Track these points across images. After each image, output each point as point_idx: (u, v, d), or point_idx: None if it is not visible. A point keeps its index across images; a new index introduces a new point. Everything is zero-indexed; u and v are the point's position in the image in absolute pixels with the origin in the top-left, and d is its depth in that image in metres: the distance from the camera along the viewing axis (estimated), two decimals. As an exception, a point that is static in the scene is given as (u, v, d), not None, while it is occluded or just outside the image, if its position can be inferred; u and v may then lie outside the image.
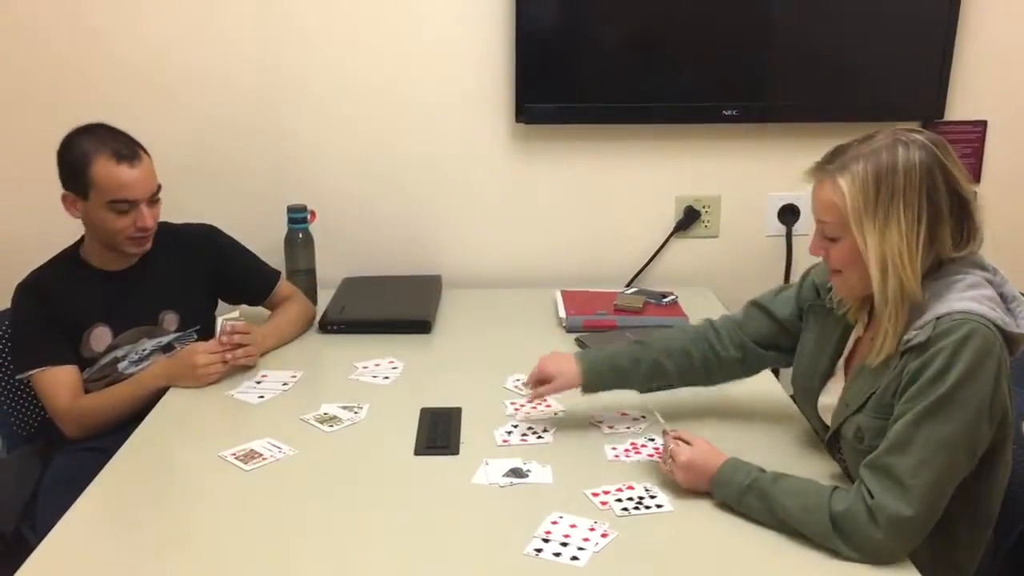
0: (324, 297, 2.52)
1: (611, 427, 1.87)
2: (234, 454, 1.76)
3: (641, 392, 1.87)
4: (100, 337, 2.13)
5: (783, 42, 2.64)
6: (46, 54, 2.56)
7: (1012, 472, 1.62)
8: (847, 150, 1.51)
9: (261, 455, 1.76)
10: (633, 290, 2.60)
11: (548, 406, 1.96)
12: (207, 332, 2.24)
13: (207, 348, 2.07)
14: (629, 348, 1.87)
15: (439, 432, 1.84)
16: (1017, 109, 2.72)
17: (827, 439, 1.69)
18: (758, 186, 2.74)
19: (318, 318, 2.39)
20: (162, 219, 2.27)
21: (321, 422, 1.90)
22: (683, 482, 1.61)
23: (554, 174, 2.73)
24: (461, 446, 1.79)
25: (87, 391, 2.12)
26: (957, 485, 1.45)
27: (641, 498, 1.60)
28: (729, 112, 2.62)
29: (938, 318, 1.45)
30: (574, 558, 1.44)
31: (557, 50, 2.59)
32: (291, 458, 1.76)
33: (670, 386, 1.87)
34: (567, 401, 1.97)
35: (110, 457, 1.77)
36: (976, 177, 2.76)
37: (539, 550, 1.46)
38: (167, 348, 2.19)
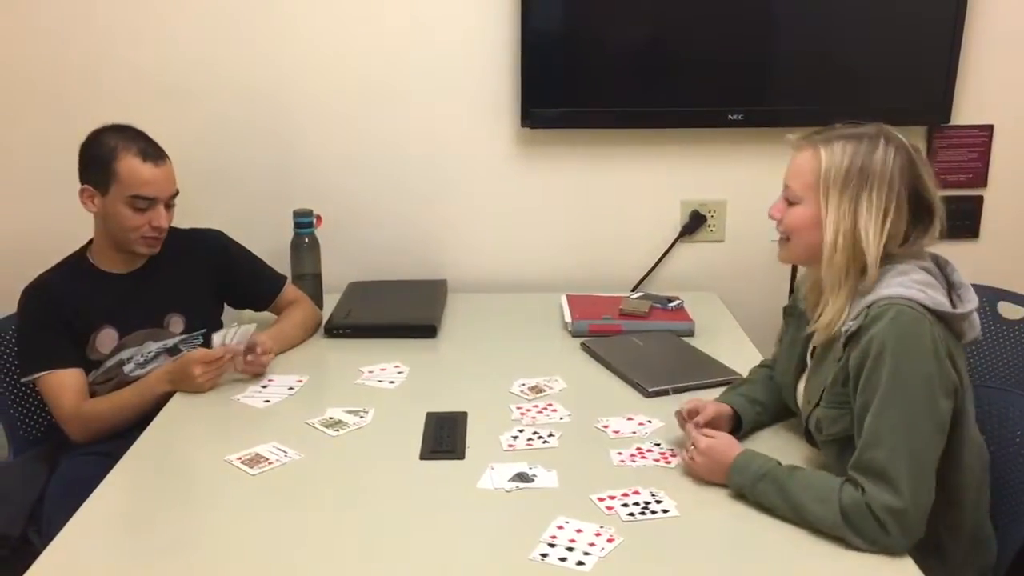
0: (330, 301, 2.52)
1: (617, 432, 1.86)
2: (240, 458, 1.76)
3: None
4: (106, 339, 2.14)
5: (789, 47, 2.64)
6: (55, 58, 2.58)
7: (1013, 475, 1.63)
8: (834, 129, 1.62)
9: (267, 459, 1.76)
10: (639, 295, 2.59)
11: (554, 410, 1.96)
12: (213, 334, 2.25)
13: (203, 359, 2.04)
14: (754, 381, 1.92)
15: (445, 436, 1.84)
16: (1024, 113, 2.72)
17: (804, 434, 1.74)
18: (764, 190, 2.69)
19: (324, 322, 2.40)
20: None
21: (327, 426, 1.90)
22: (699, 468, 1.64)
23: (559, 178, 2.73)
24: (467, 450, 1.79)
25: (93, 393, 2.12)
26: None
27: (647, 503, 1.60)
28: (734, 116, 2.62)
29: (868, 306, 1.52)
30: (580, 563, 1.44)
31: (562, 55, 2.59)
32: (297, 462, 1.76)
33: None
34: (572, 406, 1.97)
35: (116, 461, 1.77)
36: (982, 181, 2.76)
37: (545, 555, 1.46)
38: (173, 351, 2.19)
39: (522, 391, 2.05)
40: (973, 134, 2.72)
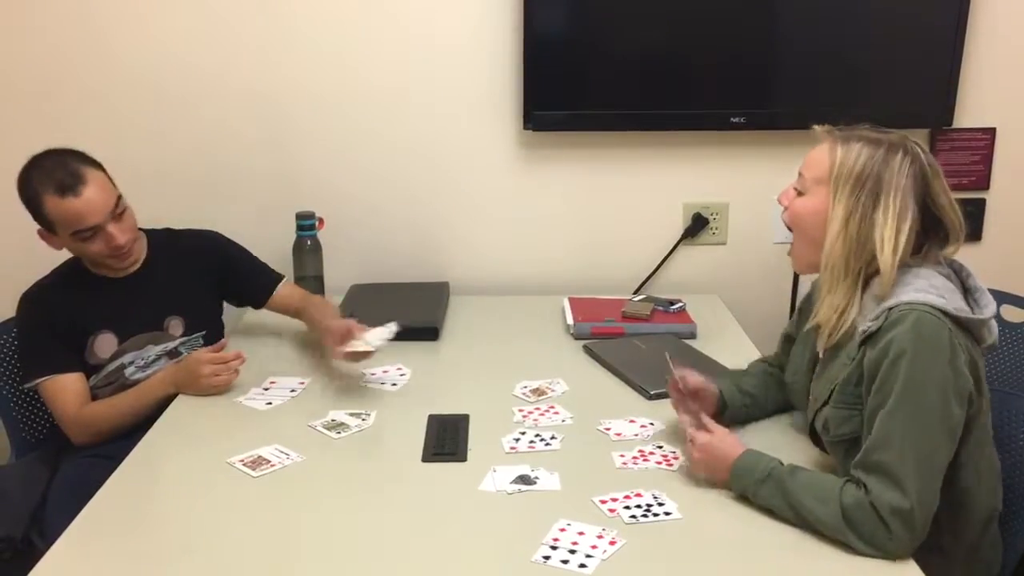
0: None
1: (619, 434, 1.86)
2: (242, 461, 1.76)
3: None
4: (105, 344, 2.14)
5: (791, 49, 2.64)
6: (54, 64, 2.58)
7: (1016, 479, 1.63)
8: (859, 129, 1.64)
9: (269, 461, 1.76)
10: (641, 297, 2.59)
11: (556, 413, 1.96)
12: (213, 336, 2.25)
13: (212, 359, 2.06)
14: (746, 377, 1.94)
15: (447, 439, 1.84)
16: (1026, 116, 2.72)
17: (809, 433, 1.74)
18: (766, 193, 2.71)
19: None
20: (166, 225, 2.28)
21: (329, 429, 1.90)
22: (696, 464, 1.65)
23: (562, 181, 2.73)
24: (469, 453, 1.79)
25: (95, 398, 2.13)
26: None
27: (649, 506, 1.60)
28: (737, 119, 2.62)
29: (889, 309, 1.52)
30: (582, 565, 1.44)
31: (565, 57, 2.59)
32: (299, 464, 1.76)
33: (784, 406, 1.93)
34: (574, 408, 1.97)
35: (118, 464, 1.77)
36: (985, 184, 2.75)
37: (547, 557, 1.46)
38: (173, 354, 2.19)
39: (524, 393, 2.05)
40: (976, 137, 2.72)
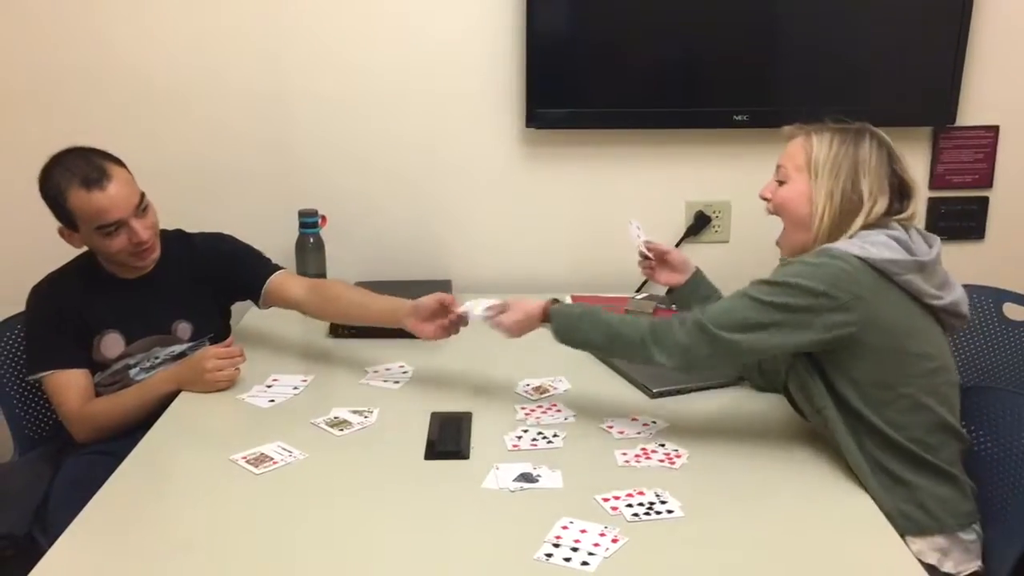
0: (334, 302, 2.51)
1: (622, 432, 1.86)
2: (244, 458, 1.76)
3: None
4: (112, 344, 2.14)
5: (794, 47, 2.64)
6: (59, 62, 2.58)
7: (1021, 476, 1.64)
8: (823, 123, 1.82)
9: (271, 459, 1.76)
10: (643, 295, 2.59)
11: (559, 411, 1.96)
12: (220, 340, 2.25)
13: (217, 353, 2.07)
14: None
15: (449, 436, 1.84)
16: (1029, 114, 2.71)
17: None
18: (769, 191, 2.73)
19: (328, 323, 2.39)
20: (177, 227, 2.28)
21: (331, 426, 1.90)
22: (512, 325, 1.91)
23: (564, 179, 2.73)
24: (471, 451, 1.79)
25: (98, 395, 2.13)
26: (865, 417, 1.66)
27: (652, 503, 1.60)
28: (739, 117, 2.62)
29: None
30: (584, 563, 1.44)
31: (567, 55, 2.59)
32: (301, 462, 1.76)
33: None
34: (576, 406, 1.97)
35: (121, 461, 1.77)
36: (988, 182, 2.75)
37: (549, 555, 1.46)
38: (179, 358, 2.19)
39: (526, 391, 2.05)
40: (979, 135, 2.71)
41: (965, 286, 1.78)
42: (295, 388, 2.08)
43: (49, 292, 2.13)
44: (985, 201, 2.76)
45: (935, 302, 1.68)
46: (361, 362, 2.21)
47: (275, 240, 2.52)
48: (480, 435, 1.85)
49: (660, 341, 1.71)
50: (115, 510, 1.62)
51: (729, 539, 1.51)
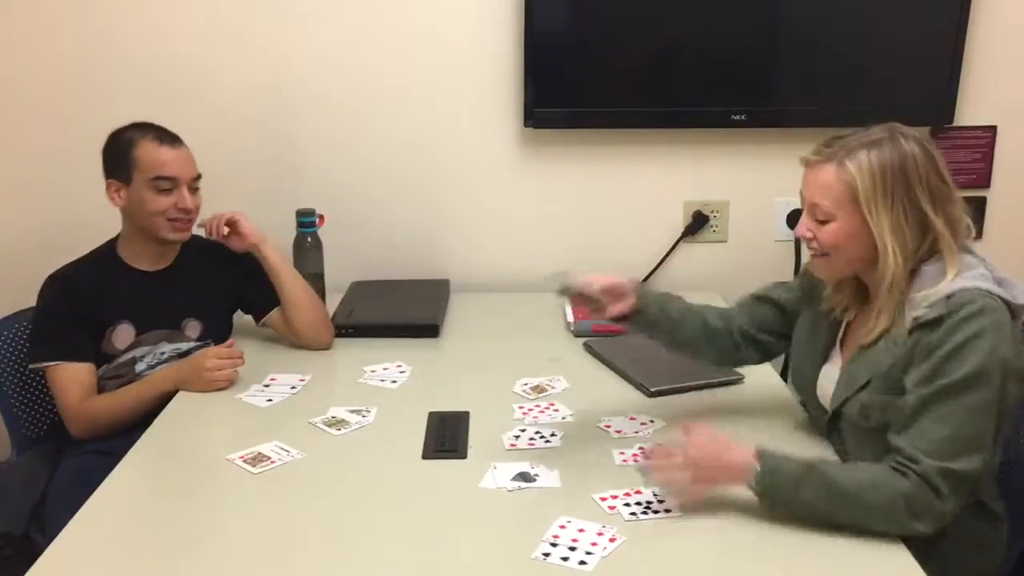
0: (333, 301, 2.52)
1: (619, 431, 1.86)
2: (242, 457, 1.76)
3: (668, 347, 1.90)
4: (123, 335, 2.15)
5: (792, 46, 2.64)
6: (58, 58, 2.58)
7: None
8: (845, 139, 1.60)
9: (269, 458, 1.76)
10: (641, 295, 2.59)
11: (556, 410, 1.96)
12: (222, 342, 2.25)
13: (218, 353, 2.07)
14: (676, 301, 1.91)
15: (447, 436, 1.84)
16: (1027, 114, 2.71)
17: (827, 421, 1.73)
18: (767, 191, 2.74)
19: (326, 322, 2.39)
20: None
21: (329, 425, 1.90)
22: (710, 485, 1.55)
23: (562, 178, 2.73)
24: (469, 450, 1.79)
25: (101, 389, 2.13)
26: None
27: (649, 503, 1.60)
28: (738, 116, 2.62)
29: (948, 296, 1.52)
30: (582, 562, 1.44)
31: (566, 55, 2.59)
32: (299, 461, 1.76)
33: (693, 350, 1.90)
34: (575, 406, 1.97)
35: (119, 460, 1.77)
36: (986, 182, 2.75)
37: (547, 554, 1.46)
38: (184, 356, 2.19)
39: (524, 391, 2.05)
40: (976, 135, 2.72)
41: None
42: (293, 387, 2.08)
43: (66, 282, 2.14)
44: (983, 201, 2.76)
45: None
46: (359, 361, 2.21)
47: (273, 239, 2.50)
48: (478, 434, 1.85)
49: (916, 511, 1.46)
50: (113, 509, 1.63)
51: (726, 538, 1.51)
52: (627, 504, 1.59)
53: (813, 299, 1.82)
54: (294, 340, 2.29)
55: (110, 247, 2.21)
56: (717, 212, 2.76)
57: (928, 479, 1.45)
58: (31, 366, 2.15)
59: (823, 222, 1.61)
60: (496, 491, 1.65)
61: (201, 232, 2.22)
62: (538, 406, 1.98)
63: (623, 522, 1.54)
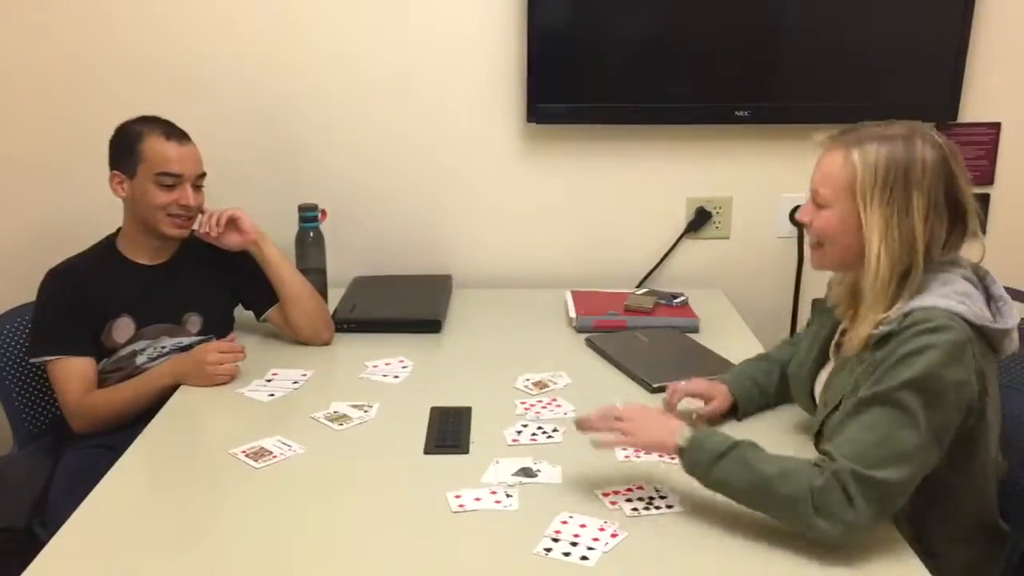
0: (335, 296, 2.52)
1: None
2: (244, 451, 1.76)
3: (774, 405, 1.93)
4: (123, 328, 2.15)
5: (796, 43, 2.63)
6: (58, 52, 2.58)
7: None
8: (864, 128, 1.57)
9: (271, 453, 1.76)
10: (644, 291, 2.59)
11: (559, 406, 1.95)
12: (223, 337, 2.25)
13: (219, 347, 2.08)
14: (756, 362, 1.96)
15: (449, 431, 1.84)
16: (1031, 111, 2.71)
17: (813, 436, 1.71)
18: (770, 187, 2.73)
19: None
20: None
21: (331, 420, 1.90)
22: (636, 435, 1.58)
23: (565, 174, 2.73)
24: (471, 445, 1.79)
25: (102, 382, 2.13)
26: (931, 481, 1.48)
27: (651, 498, 1.60)
28: (741, 113, 2.61)
29: (906, 314, 1.48)
30: (584, 558, 1.44)
31: (569, 50, 2.59)
32: (301, 456, 1.76)
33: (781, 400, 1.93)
34: (576, 401, 1.97)
35: (120, 454, 1.77)
36: (989, 179, 2.75)
37: (549, 549, 1.46)
38: (184, 351, 2.19)
39: (526, 386, 2.05)
40: (980, 132, 2.71)
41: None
42: (295, 382, 2.08)
43: (67, 276, 2.14)
44: (986, 198, 2.76)
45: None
46: (361, 356, 2.21)
47: (275, 234, 2.50)
48: (480, 430, 1.85)
49: (820, 506, 1.42)
50: (114, 504, 1.63)
51: (727, 534, 1.51)
52: (629, 499, 1.59)
53: (822, 310, 1.81)
54: (294, 336, 2.29)
55: (110, 241, 2.22)
56: (720, 208, 2.76)
57: (841, 479, 1.41)
58: (32, 360, 2.15)
59: (822, 208, 1.59)
60: (498, 486, 1.64)
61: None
62: (540, 401, 1.98)
63: (625, 517, 1.54)
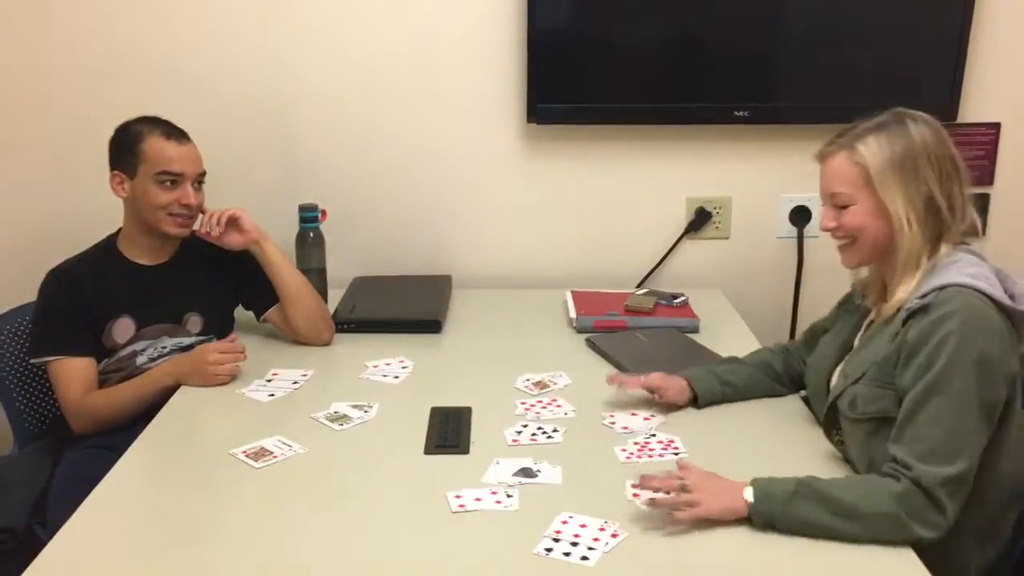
0: (335, 296, 2.52)
1: (626, 427, 1.86)
2: (244, 452, 1.76)
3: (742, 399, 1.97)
4: (123, 329, 2.15)
5: (796, 44, 2.63)
6: (59, 52, 2.57)
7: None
8: (854, 128, 1.65)
9: (271, 453, 1.76)
10: (644, 291, 2.59)
11: (559, 406, 1.96)
12: (223, 337, 2.25)
13: (219, 347, 2.08)
14: (726, 363, 2.03)
15: (449, 431, 1.84)
16: (1031, 111, 2.71)
17: (824, 416, 1.74)
18: (769, 188, 2.73)
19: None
20: None
21: (331, 420, 1.90)
22: (705, 504, 1.50)
23: (565, 174, 2.72)
24: (471, 445, 1.79)
25: (103, 382, 2.13)
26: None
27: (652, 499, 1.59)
28: (741, 113, 2.61)
29: (939, 289, 1.55)
30: (584, 558, 1.44)
31: (569, 51, 2.59)
32: (301, 456, 1.76)
33: (774, 394, 1.99)
34: (576, 401, 1.97)
35: (120, 455, 1.78)
36: (989, 179, 2.75)
37: (549, 550, 1.46)
38: (185, 351, 2.19)
39: (526, 386, 2.05)
40: (980, 132, 2.71)
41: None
42: (295, 382, 2.08)
43: (68, 276, 2.14)
44: (986, 198, 2.76)
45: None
46: (361, 357, 2.21)
47: (275, 234, 2.50)
48: (480, 430, 1.85)
49: (916, 517, 1.45)
50: (115, 504, 1.63)
51: (729, 533, 1.51)
52: (629, 500, 1.59)
53: (847, 307, 1.86)
54: (294, 337, 2.29)
55: (110, 241, 2.22)
56: (720, 209, 2.76)
57: (923, 485, 1.45)
58: (32, 361, 2.15)
59: (844, 209, 1.65)
60: (498, 486, 1.64)
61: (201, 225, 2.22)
62: (540, 402, 1.98)
63: (625, 518, 1.54)
